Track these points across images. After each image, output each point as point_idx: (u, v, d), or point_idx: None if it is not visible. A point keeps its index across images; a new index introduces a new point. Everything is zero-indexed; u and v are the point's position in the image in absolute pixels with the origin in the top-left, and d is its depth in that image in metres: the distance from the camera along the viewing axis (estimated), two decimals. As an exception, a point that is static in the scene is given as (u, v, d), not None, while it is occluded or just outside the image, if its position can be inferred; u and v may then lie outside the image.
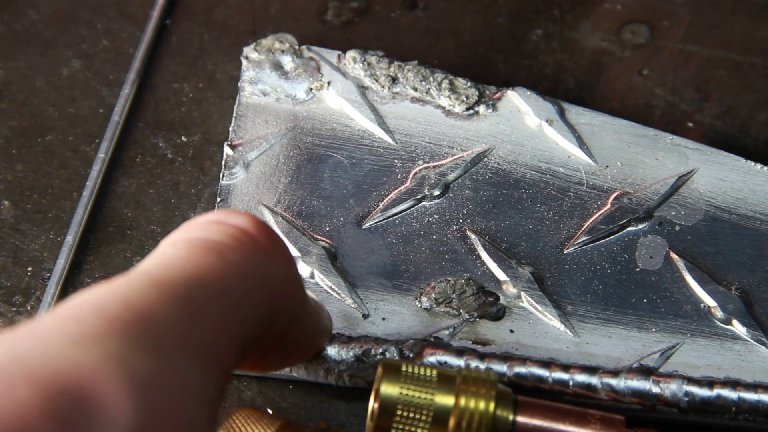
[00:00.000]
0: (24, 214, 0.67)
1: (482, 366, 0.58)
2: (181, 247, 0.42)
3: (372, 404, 0.53)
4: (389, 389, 0.52)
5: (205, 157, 0.70)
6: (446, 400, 0.52)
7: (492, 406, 0.52)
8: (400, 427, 0.52)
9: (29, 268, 0.65)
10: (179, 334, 0.37)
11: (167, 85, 0.73)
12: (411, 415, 0.52)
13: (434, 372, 0.53)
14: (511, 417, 0.53)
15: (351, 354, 0.59)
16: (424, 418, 0.52)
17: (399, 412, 0.52)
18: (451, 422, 0.52)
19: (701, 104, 0.73)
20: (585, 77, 0.74)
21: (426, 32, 0.75)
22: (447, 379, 0.53)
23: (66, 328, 0.35)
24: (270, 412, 0.59)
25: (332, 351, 0.59)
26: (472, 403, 0.52)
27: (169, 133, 0.71)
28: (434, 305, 0.61)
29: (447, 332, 0.60)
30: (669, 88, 0.74)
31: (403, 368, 0.53)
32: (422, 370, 0.53)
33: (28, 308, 0.63)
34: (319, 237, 0.63)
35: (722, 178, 0.66)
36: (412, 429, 0.52)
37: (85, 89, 0.73)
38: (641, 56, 0.76)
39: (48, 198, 0.68)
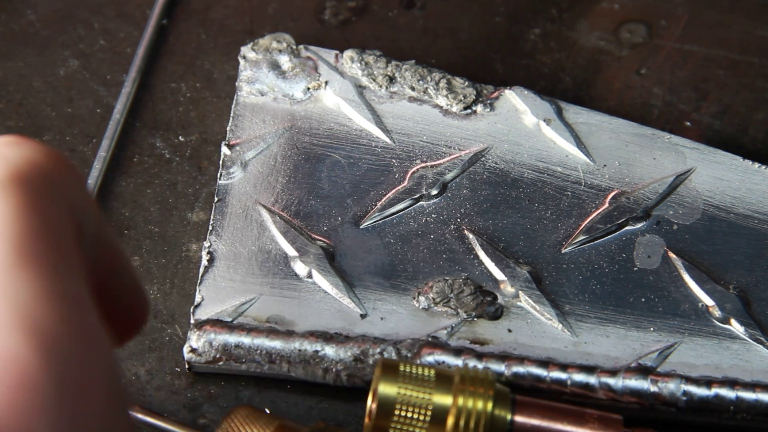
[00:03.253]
0: None
1: (480, 366, 0.58)
2: None
3: (370, 404, 0.53)
4: (387, 389, 0.52)
5: (202, 156, 0.70)
6: (444, 399, 0.52)
7: (490, 405, 0.52)
8: (398, 426, 0.52)
9: None
10: (44, 240, 0.35)
11: (165, 85, 0.73)
12: (409, 414, 0.52)
13: (432, 371, 0.53)
14: (509, 416, 0.53)
15: (349, 354, 0.59)
16: (422, 417, 0.52)
17: (397, 412, 0.52)
18: (449, 422, 0.52)
19: (699, 103, 0.73)
20: (583, 76, 0.74)
21: (423, 32, 0.75)
22: (445, 379, 0.53)
23: None
24: (268, 411, 0.59)
25: (330, 351, 0.59)
26: (470, 403, 0.52)
27: (166, 132, 0.71)
28: (432, 305, 0.61)
29: (445, 332, 0.60)
30: (667, 88, 0.74)
31: (401, 368, 0.53)
32: (420, 370, 0.53)
33: None
34: (317, 237, 0.63)
35: (720, 177, 0.66)
36: (410, 428, 0.52)
37: (83, 89, 0.72)
38: (639, 55, 0.76)
39: None
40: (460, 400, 0.52)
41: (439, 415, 0.52)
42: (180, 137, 0.71)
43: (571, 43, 0.76)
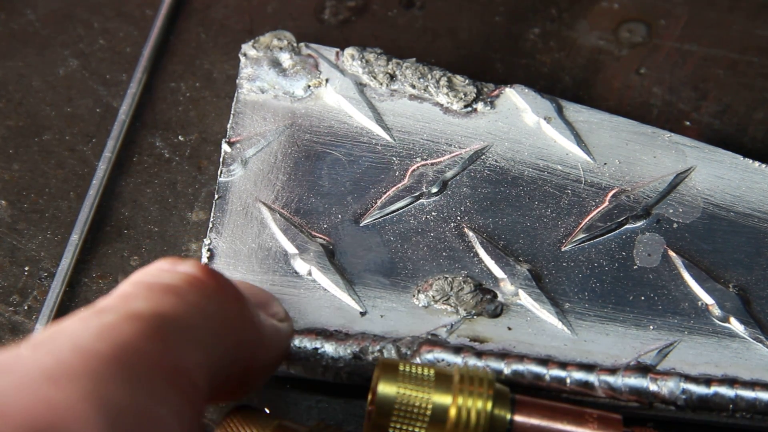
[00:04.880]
0: (21, 214, 0.67)
1: (480, 363, 0.58)
2: (141, 288, 0.43)
3: (369, 403, 0.53)
4: (387, 388, 0.52)
5: (202, 156, 0.70)
6: (443, 399, 0.52)
7: (489, 405, 0.52)
8: (398, 426, 0.52)
9: (26, 268, 0.65)
10: (154, 361, 0.38)
11: (164, 85, 0.73)
12: (408, 414, 0.52)
13: (431, 371, 0.53)
14: (508, 416, 0.53)
15: (349, 351, 0.59)
16: (421, 417, 0.52)
17: (396, 412, 0.52)
18: (449, 421, 0.52)
19: (699, 103, 0.73)
20: (582, 76, 0.74)
21: (423, 31, 0.75)
22: (444, 378, 0.53)
23: (42, 364, 0.35)
24: (267, 411, 0.59)
25: (330, 348, 0.59)
26: (469, 402, 0.52)
27: (166, 132, 0.71)
28: (432, 302, 0.61)
29: (444, 330, 0.60)
30: (666, 87, 0.74)
31: (401, 367, 0.53)
32: (419, 369, 0.53)
33: (25, 308, 0.63)
34: (317, 234, 0.63)
35: (720, 176, 0.66)
36: (410, 428, 0.52)
37: (82, 89, 0.73)
38: (638, 55, 0.76)
39: (45, 197, 0.68)
40: (460, 400, 0.52)
41: (438, 414, 0.52)
42: (180, 137, 0.71)
43: (571, 43, 0.76)
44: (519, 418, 0.53)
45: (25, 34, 0.75)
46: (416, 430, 0.52)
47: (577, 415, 0.54)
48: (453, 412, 0.52)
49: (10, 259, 0.65)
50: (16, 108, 0.72)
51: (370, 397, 0.53)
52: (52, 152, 0.70)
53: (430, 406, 0.52)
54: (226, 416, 0.55)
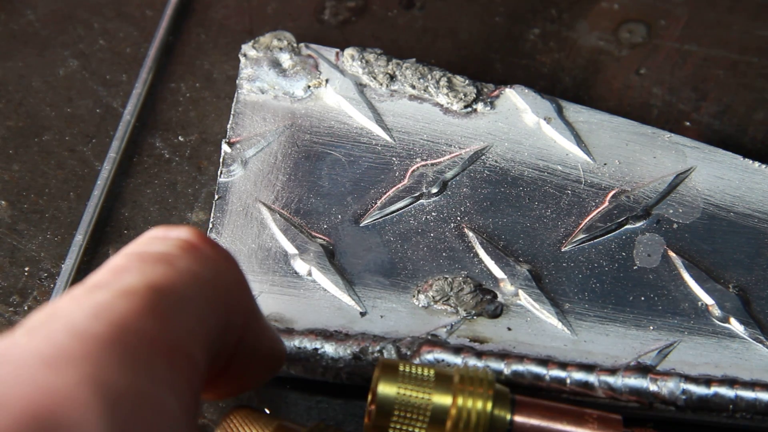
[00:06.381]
0: (21, 214, 0.67)
1: (480, 364, 0.58)
2: (133, 259, 0.42)
3: (369, 404, 0.53)
4: (387, 389, 0.52)
5: (202, 156, 0.70)
6: (444, 399, 0.52)
7: (489, 405, 0.52)
8: (398, 426, 0.52)
9: (26, 268, 0.65)
10: (151, 339, 0.37)
11: (164, 85, 0.73)
12: (408, 414, 0.52)
13: (431, 372, 0.53)
14: (508, 416, 0.53)
15: (348, 352, 0.59)
16: (421, 417, 0.52)
17: (396, 412, 0.52)
18: (449, 422, 0.52)
19: (698, 103, 0.73)
20: (582, 76, 0.74)
21: (423, 32, 0.75)
22: (444, 379, 0.53)
23: (38, 350, 0.35)
24: (267, 411, 0.59)
25: (330, 349, 0.59)
26: (469, 403, 0.52)
27: (166, 132, 0.71)
28: (432, 303, 0.61)
29: (444, 330, 0.60)
30: (666, 88, 0.74)
31: (401, 368, 0.53)
32: (419, 370, 0.53)
33: (25, 308, 0.63)
34: (317, 234, 0.63)
35: (720, 176, 0.66)
36: (410, 429, 0.52)
37: (82, 89, 0.73)
38: (638, 55, 0.76)
39: (45, 198, 0.68)
40: (460, 400, 0.52)
41: (438, 415, 0.52)
42: (179, 137, 0.71)
43: (571, 43, 0.76)
44: (519, 419, 0.53)
45: (25, 35, 0.75)
46: (416, 430, 0.52)
47: (577, 416, 0.54)
48: (453, 412, 0.52)
49: (10, 259, 0.65)
50: (16, 108, 0.72)
51: (370, 397, 0.53)
52: (52, 153, 0.70)
53: (430, 407, 0.52)
54: (226, 416, 0.55)
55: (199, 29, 0.76)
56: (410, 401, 0.52)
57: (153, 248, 0.43)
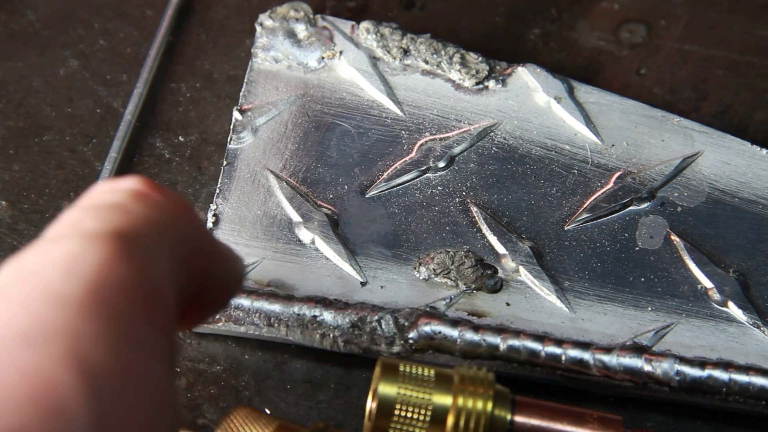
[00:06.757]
0: (21, 214, 0.67)
1: (476, 338, 0.59)
2: (88, 211, 0.40)
3: (370, 404, 0.53)
4: (387, 389, 0.52)
5: (202, 156, 0.70)
6: (444, 399, 0.52)
7: (490, 405, 0.52)
8: (398, 426, 0.52)
9: None
10: (128, 290, 0.36)
11: (164, 85, 0.73)
12: (409, 414, 0.52)
13: (432, 371, 0.53)
14: (508, 417, 0.53)
15: (347, 320, 0.59)
16: (422, 417, 0.52)
17: (397, 412, 0.52)
18: (449, 422, 0.52)
19: (699, 103, 0.73)
20: (583, 76, 0.73)
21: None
22: (445, 379, 0.53)
23: (17, 322, 0.33)
24: (268, 411, 0.60)
25: (328, 316, 0.59)
26: (469, 403, 0.52)
27: (166, 132, 0.71)
28: (432, 275, 0.62)
29: (443, 303, 0.61)
30: (667, 88, 0.74)
31: (401, 368, 0.53)
32: (420, 370, 0.53)
33: None
34: (323, 204, 0.64)
35: (727, 162, 0.66)
36: (410, 429, 0.52)
37: (83, 89, 0.72)
38: (639, 55, 0.76)
39: (45, 198, 0.68)
40: (460, 400, 0.52)
41: (439, 415, 0.52)
42: (180, 137, 0.70)
43: (571, 43, 0.76)
44: (519, 419, 0.53)
45: (26, 35, 0.75)
46: (416, 430, 0.52)
47: (577, 416, 0.54)
48: (453, 412, 0.52)
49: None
50: (16, 108, 0.71)
51: (370, 397, 0.53)
52: (52, 153, 0.69)
53: (430, 407, 0.52)
54: (226, 416, 0.54)
55: (200, 29, 0.76)
56: (411, 401, 0.52)
57: (104, 200, 0.41)
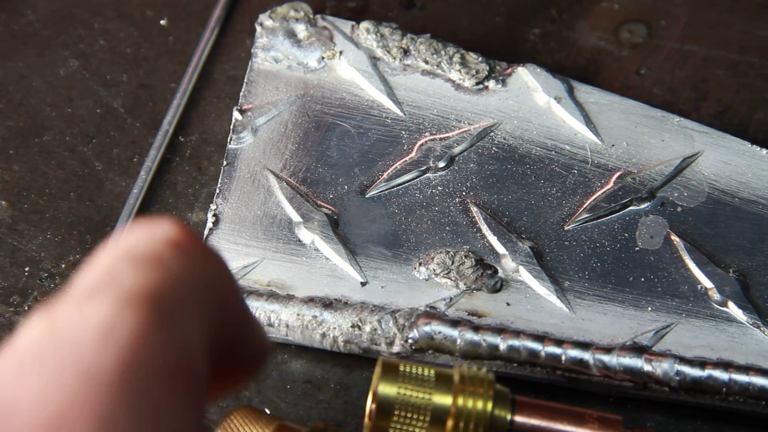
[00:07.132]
0: (21, 214, 0.67)
1: (476, 338, 0.59)
2: (124, 260, 0.39)
3: (370, 404, 0.53)
4: (387, 389, 0.52)
5: (202, 157, 0.70)
6: (444, 399, 0.52)
7: (490, 405, 0.52)
8: (398, 427, 0.52)
9: (26, 269, 0.65)
10: (159, 362, 0.35)
11: (165, 85, 0.73)
12: (409, 415, 0.52)
13: (432, 371, 0.53)
14: (508, 417, 0.53)
15: (347, 320, 0.59)
16: (422, 418, 0.52)
17: (397, 412, 0.52)
18: (449, 422, 0.51)
19: (699, 103, 0.73)
20: (583, 76, 0.73)
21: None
22: (444, 379, 0.53)
23: (50, 400, 0.32)
24: (268, 411, 0.59)
25: (328, 316, 0.59)
26: (469, 403, 0.52)
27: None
28: (433, 276, 0.62)
29: (443, 303, 0.61)
30: (667, 88, 0.74)
31: (401, 368, 0.53)
32: (420, 370, 0.53)
33: (26, 308, 0.63)
34: (323, 204, 0.64)
35: (727, 162, 0.66)
36: (410, 429, 0.52)
37: (83, 89, 0.72)
38: (639, 55, 0.76)
39: (45, 198, 0.68)
40: (460, 401, 0.52)
41: (438, 415, 0.52)
42: (179, 137, 0.70)
43: (571, 43, 0.76)
44: (519, 419, 0.53)
45: (26, 35, 0.75)
46: (416, 430, 0.52)
47: (577, 416, 0.54)
48: (453, 412, 0.51)
49: (11, 259, 0.65)
50: (16, 108, 0.71)
51: (370, 397, 0.53)
52: (52, 153, 0.69)
53: (430, 407, 0.52)
54: (226, 416, 0.54)
55: (200, 29, 0.75)
56: (411, 401, 0.52)
57: (141, 247, 0.40)
